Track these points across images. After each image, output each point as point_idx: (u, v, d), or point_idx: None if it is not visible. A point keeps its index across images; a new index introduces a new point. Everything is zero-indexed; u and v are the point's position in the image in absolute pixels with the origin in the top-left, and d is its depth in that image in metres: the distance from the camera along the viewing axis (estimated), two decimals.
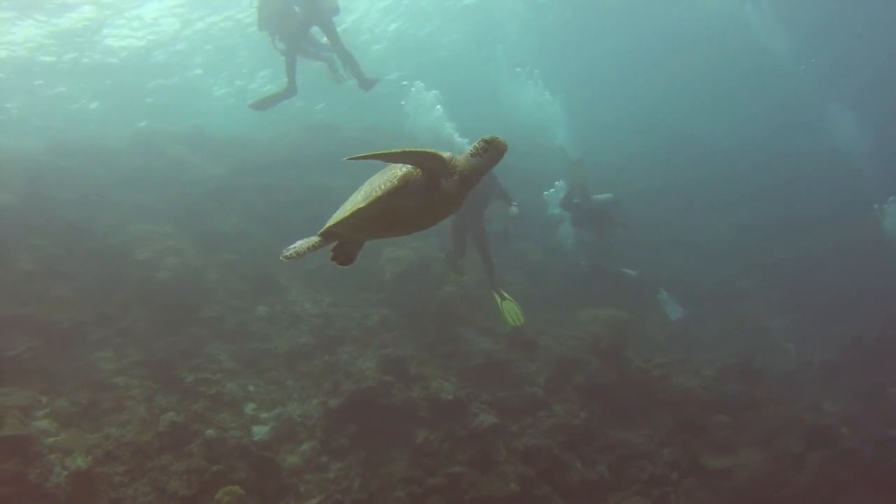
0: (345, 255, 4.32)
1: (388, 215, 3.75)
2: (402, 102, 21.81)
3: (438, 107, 19.34)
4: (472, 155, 3.63)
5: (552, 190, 18.84)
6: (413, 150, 3.42)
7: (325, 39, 16.17)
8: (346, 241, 4.25)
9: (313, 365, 12.71)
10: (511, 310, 12.58)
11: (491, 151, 3.58)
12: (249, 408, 11.72)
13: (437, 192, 3.63)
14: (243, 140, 24.74)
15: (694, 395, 13.00)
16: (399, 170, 3.61)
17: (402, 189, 3.56)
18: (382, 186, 3.59)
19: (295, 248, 4.09)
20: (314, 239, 4.12)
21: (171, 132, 24.96)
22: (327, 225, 3.98)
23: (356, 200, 3.73)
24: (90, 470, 9.76)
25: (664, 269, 20.31)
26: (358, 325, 13.65)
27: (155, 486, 9.43)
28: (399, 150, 3.38)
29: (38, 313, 13.29)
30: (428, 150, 3.48)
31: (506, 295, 12.77)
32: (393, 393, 11.51)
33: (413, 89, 21.09)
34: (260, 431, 11.13)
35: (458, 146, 14.72)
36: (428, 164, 3.53)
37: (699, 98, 43.05)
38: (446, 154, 3.61)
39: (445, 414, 11.43)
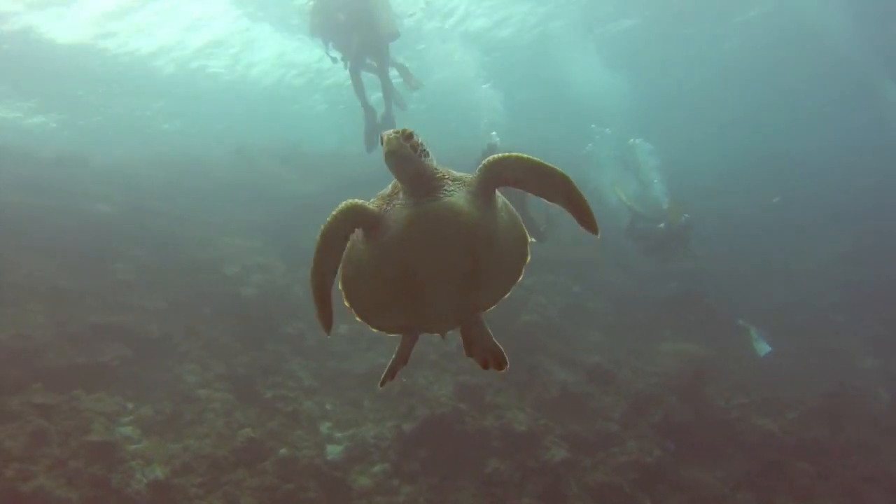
0: (475, 350, 4.13)
1: (370, 274, 3.56)
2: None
3: (494, 133, 19.18)
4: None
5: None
6: (320, 242, 3.41)
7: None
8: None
9: (390, 387, 12.81)
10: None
11: (385, 153, 3.25)
12: (325, 426, 11.91)
13: (391, 225, 3.39)
14: (337, 155, 25.16)
15: (774, 439, 12.66)
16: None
17: (330, 241, 3.45)
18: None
19: (386, 371, 3.98)
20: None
21: (266, 147, 25.60)
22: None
23: None
24: (168, 480, 10.10)
25: (753, 298, 19.73)
26: (436, 350, 13.71)
27: (228, 501, 9.68)
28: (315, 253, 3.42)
29: (130, 322, 13.81)
30: (333, 221, 3.40)
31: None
32: (466, 420, 11.57)
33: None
34: (334, 451, 11.30)
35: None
36: (341, 232, 3.45)
37: (795, 114, 40.93)
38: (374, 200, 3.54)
39: (518, 445, 11.44)
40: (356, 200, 3.49)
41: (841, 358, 18.28)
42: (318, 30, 15.54)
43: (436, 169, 3.40)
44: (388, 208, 3.46)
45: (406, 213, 3.37)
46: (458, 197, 3.34)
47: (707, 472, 11.74)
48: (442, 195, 3.34)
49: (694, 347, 15.80)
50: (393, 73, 15.59)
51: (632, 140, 27.48)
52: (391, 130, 3.22)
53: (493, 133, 18.51)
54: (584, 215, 3.51)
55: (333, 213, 3.42)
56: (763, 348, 17.14)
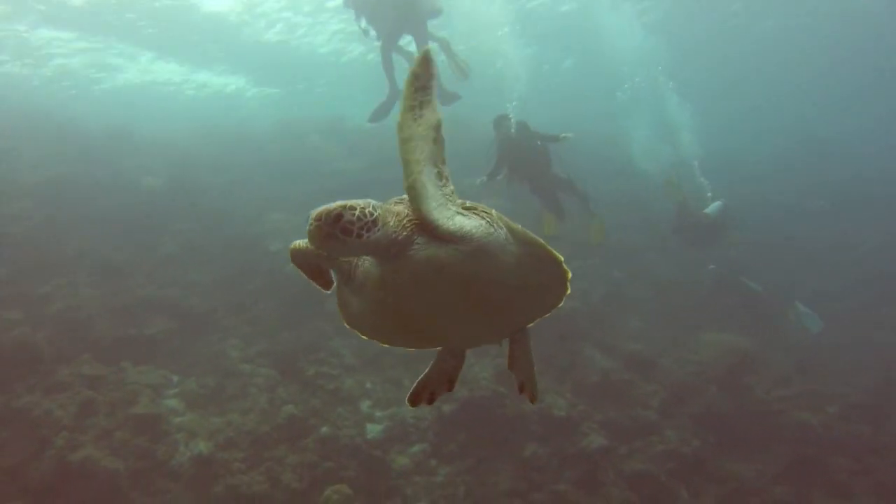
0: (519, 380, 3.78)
1: (360, 318, 3.33)
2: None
3: (511, 104, 18.74)
4: None
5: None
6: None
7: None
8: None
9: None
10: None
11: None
12: (365, 405, 12.04)
13: (362, 280, 3.06)
14: (383, 131, 25.04)
15: (814, 433, 12.55)
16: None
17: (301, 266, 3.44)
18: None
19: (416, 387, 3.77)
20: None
21: (314, 121, 25.64)
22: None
23: None
24: (211, 455, 10.28)
25: (794, 287, 19.39)
26: None
27: (269, 476, 9.83)
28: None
29: (175, 296, 14.06)
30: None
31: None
32: (506, 404, 11.62)
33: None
34: (373, 430, 11.42)
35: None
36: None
37: (837, 95, 39.44)
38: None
39: (556, 430, 11.48)
40: (300, 245, 3.31)
41: (885, 352, 17.98)
42: (351, 1, 15.28)
43: (399, 225, 2.89)
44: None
45: (375, 273, 3.00)
46: (432, 250, 2.84)
47: (745, 465, 11.67)
48: (413, 250, 2.86)
49: (735, 337, 15.63)
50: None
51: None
52: (314, 212, 2.74)
53: (511, 104, 18.33)
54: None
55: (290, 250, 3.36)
56: (815, 323, 16.94)
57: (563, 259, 3.19)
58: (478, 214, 2.94)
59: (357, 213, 2.74)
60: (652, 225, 18.86)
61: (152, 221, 16.63)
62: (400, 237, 2.85)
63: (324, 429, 10.67)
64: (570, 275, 3.31)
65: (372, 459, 10.57)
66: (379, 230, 2.79)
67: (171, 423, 10.98)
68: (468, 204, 3.00)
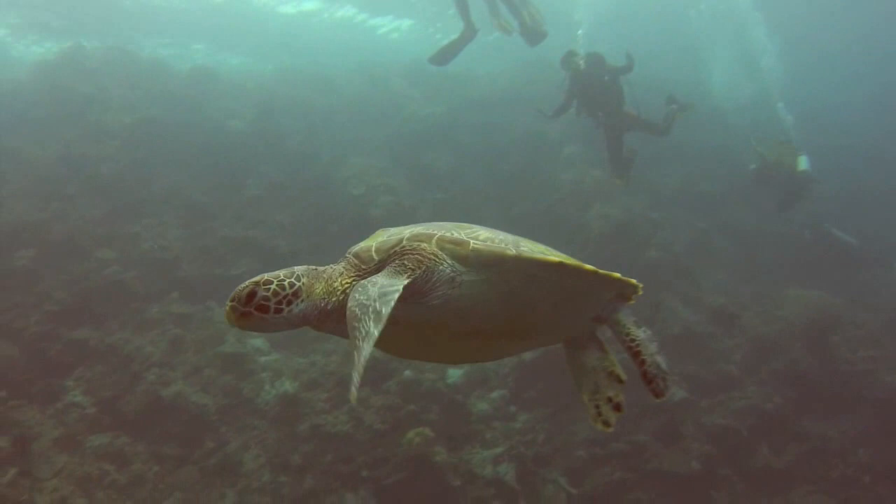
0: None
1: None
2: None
3: (580, 32, 18.09)
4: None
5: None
6: None
7: None
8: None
9: None
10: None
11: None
12: None
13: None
14: (463, 75, 24.88)
15: None
16: None
17: None
18: None
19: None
20: None
21: (394, 65, 25.53)
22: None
23: None
24: (297, 394, 10.52)
25: (884, 243, 18.68)
26: None
27: (353, 417, 10.01)
28: None
29: (260, 237, 14.30)
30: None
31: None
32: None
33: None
34: (454, 375, 11.50)
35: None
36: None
37: None
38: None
39: (636, 380, 11.26)
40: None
41: None
42: None
43: (328, 292, 2.78)
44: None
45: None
46: None
47: (828, 425, 11.45)
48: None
49: (822, 294, 15.25)
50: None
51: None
52: (230, 299, 2.64)
53: (579, 32, 17.86)
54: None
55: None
56: None
57: (559, 259, 2.85)
58: (410, 259, 2.76)
59: (273, 286, 2.66)
60: (736, 173, 18.39)
61: (237, 163, 16.87)
62: (328, 306, 2.74)
63: (406, 372, 10.78)
64: (605, 271, 3.07)
65: (453, 404, 10.67)
66: (302, 301, 2.71)
67: (256, 363, 11.24)
68: (405, 246, 2.82)
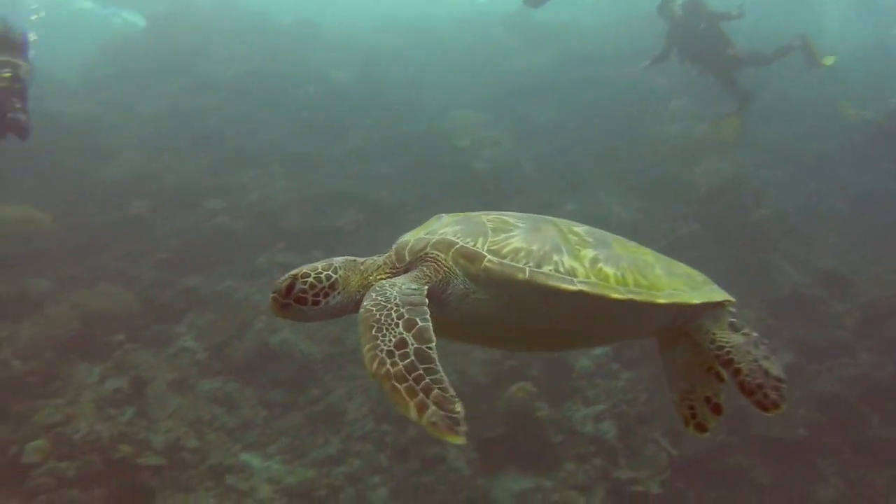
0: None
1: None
2: None
3: None
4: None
5: None
6: None
7: None
8: None
9: None
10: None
11: None
12: None
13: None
14: (568, 27, 24.34)
15: None
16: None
17: None
18: None
19: None
20: None
21: (497, 14, 25.18)
22: None
23: None
24: None
25: None
26: (665, 237, 13.31)
27: (457, 370, 10.00)
28: None
29: (364, 188, 14.37)
30: None
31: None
32: None
33: None
34: None
35: None
36: None
37: None
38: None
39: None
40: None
41: None
42: None
43: (363, 285, 2.83)
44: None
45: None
46: None
47: None
48: None
49: None
50: None
51: None
52: (272, 290, 2.75)
53: None
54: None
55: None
56: None
57: (577, 289, 2.61)
58: (429, 267, 2.74)
59: (311, 279, 2.72)
60: (852, 131, 17.59)
61: (341, 115, 16.97)
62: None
63: None
64: (673, 299, 2.78)
65: (555, 360, 10.57)
66: (339, 294, 2.76)
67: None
68: (428, 252, 2.78)
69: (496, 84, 19.50)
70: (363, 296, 2.68)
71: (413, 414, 2.17)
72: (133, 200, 13.83)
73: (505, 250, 2.66)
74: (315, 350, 10.50)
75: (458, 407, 2.21)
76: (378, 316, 2.44)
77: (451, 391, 2.25)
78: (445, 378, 2.29)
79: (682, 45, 13.05)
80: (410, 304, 2.48)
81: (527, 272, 2.59)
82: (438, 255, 2.72)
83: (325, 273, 2.76)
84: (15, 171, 13.39)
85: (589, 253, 2.74)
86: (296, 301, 2.71)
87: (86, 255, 12.96)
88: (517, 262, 2.62)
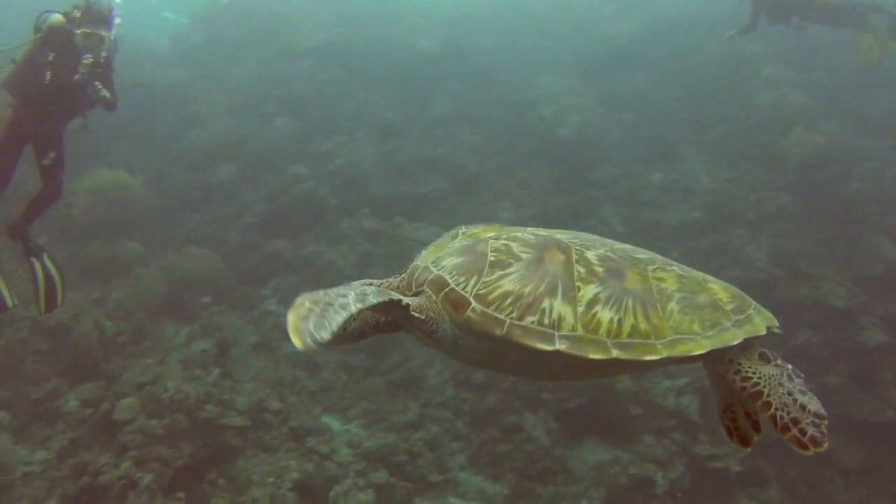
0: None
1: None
2: None
3: None
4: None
5: None
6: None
7: None
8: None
9: (702, 242, 12.38)
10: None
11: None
12: None
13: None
14: None
15: None
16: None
17: None
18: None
19: None
20: None
21: None
22: None
23: None
24: None
25: None
26: (753, 209, 12.97)
27: None
28: None
29: (448, 156, 14.34)
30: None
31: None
32: (779, 287, 10.99)
33: None
34: None
35: None
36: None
37: None
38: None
39: (831, 320, 10.67)
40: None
41: None
42: None
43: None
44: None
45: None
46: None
47: None
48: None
49: None
50: None
51: None
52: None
53: None
54: None
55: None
56: None
57: (553, 348, 2.43)
58: (426, 301, 2.67)
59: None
60: None
61: (426, 82, 16.94)
62: (377, 322, 2.83)
63: None
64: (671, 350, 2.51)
65: None
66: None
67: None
68: (426, 290, 2.68)
69: (583, 52, 19.16)
70: (377, 320, 2.78)
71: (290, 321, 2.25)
72: (221, 165, 14.10)
73: (493, 295, 2.53)
74: None
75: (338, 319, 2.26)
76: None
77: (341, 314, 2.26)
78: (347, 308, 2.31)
79: (769, 8, 12.70)
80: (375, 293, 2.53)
81: (505, 326, 2.46)
82: (431, 296, 2.64)
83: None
84: (108, 138, 13.73)
85: (590, 291, 2.53)
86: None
87: (175, 219, 13.29)
88: (501, 310, 2.48)
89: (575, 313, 2.47)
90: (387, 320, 2.85)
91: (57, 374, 9.74)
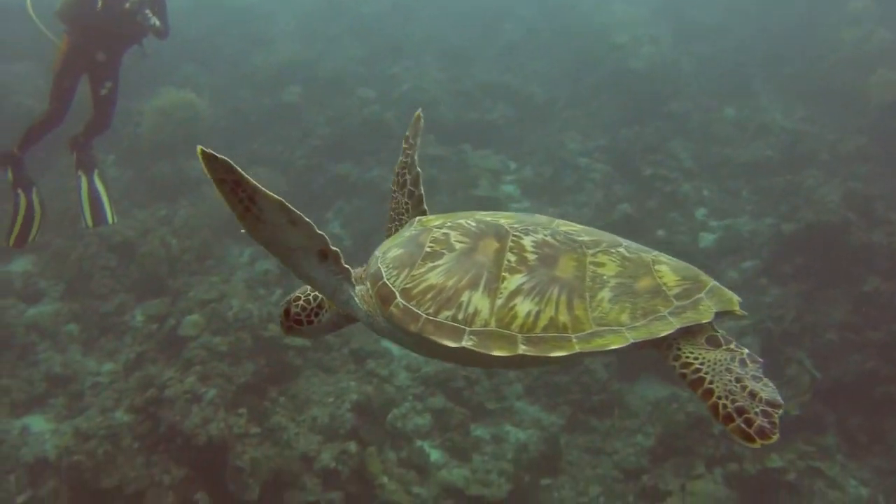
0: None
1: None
2: None
3: None
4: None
5: None
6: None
7: None
8: None
9: (774, 182, 12.07)
10: None
11: None
12: (700, 213, 11.63)
13: None
14: None
15: None
16: None
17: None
18: None
19: None
20: None
21: None
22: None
23: None
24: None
25: None
26: (829, 150, 12.57)
27: None
28: None
29: (516, 83, 14.14)
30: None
31: None
32: (853, 231, 10.65)
33: None
34: (706, 239, 11.06)
35: None
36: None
37: None
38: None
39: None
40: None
41: None
42: None
43: None
44: None
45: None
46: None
47: None
48: None
49: None
50: None
51: None
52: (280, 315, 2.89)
53: None
54: None
55: None
56: None
57: (458, 346, 2.31)
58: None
59: (301, 302, 2.84)
60: None
61: (494, 7, 16.64)
62: (345, 311, 2.73)
63: (659, 232, 10.46)
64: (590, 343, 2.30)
65: (705, 269, 10.21)
66: (326, 311, 2.84)
67: (508, 208, 11.27)
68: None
69: None
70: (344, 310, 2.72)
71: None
72: (287, 87, 14.07)
73: (418, 289, 2.45)
74: None
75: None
76: None
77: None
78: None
79: None
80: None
81: (420, 322, 2.38)
82: (369, 289, 2.57)
83: (313, 295, 2.85)
84: (175, 58, 13.77)
85: (514, 282, 2.38)
86: (294, 323, 2.86)
87: (241, 139, 13.34)
88: (421, 305, 2.41)
89: (492, 307, 2.35)
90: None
91: (124, 290, 9.94)
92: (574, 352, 2.26)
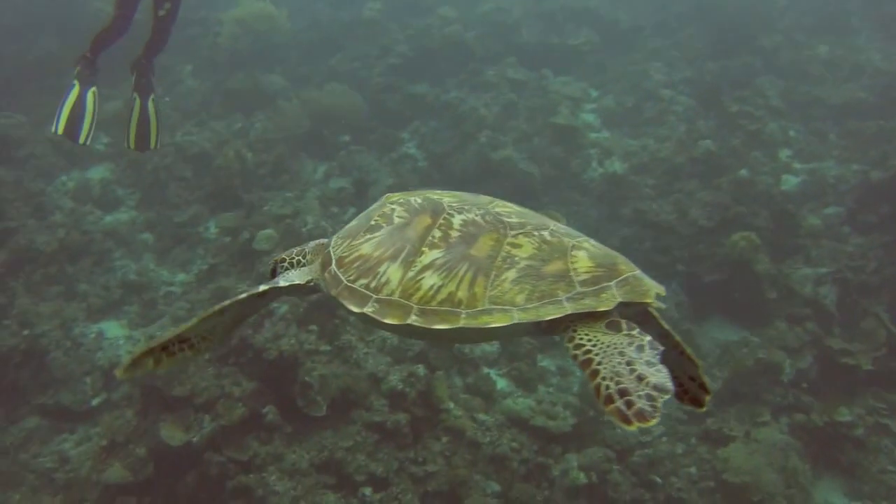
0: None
1: None
2: None
3: None
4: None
5: None
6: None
7: None
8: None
9: (865, 126, 11.57)
10: None
11: None
12: (784, 154, 11.25)
13: None
14: None
15: None
16: None
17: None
18: None
19: None
20: None
21: None
22: None
23: None
24: (623, 176, 10.26)
25: None
26: None
27: (678, 209, 9.58)
28: None
29: (601, 8, 13.78)
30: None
31: None
32: None
33: None
34: (790, 182, 10.71)
35: None
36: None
37: None
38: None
39: None
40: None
41: None
42: None
43: None
44: None
45: None
46: None
47: None
48: None
49: None
50: None
51: None
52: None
53: None
54: None
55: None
56: None
57: (398, 322, 2.37)
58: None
59: (285, 265, 2.94)
60: None
61: None
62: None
63: (742, 171, 10.13)
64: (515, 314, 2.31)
65: (783, 213, 9.89)
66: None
67: (586, 138, 11.07)
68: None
69: None
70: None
71: None
72: (367, 2, 13.86)
73: (350, 257, 2.60)
74: (535, 170, 10.35)
75: None
76: None
77: None
78: None
79: None
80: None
81: (339, 287, 2.53)
82: (320, 267, 2.75)
83: (297, 258, 2.91)
84: None
85: (430, 257, 2.47)
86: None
87: (319, 54, 13.23)
88: (347, 272, 2.56)
89: (402, 278, 2.46)
90: None
91: (198, 201, 10.05)
92: (457, 326, 2.33)
